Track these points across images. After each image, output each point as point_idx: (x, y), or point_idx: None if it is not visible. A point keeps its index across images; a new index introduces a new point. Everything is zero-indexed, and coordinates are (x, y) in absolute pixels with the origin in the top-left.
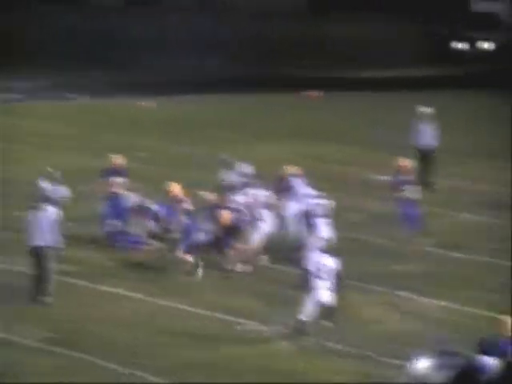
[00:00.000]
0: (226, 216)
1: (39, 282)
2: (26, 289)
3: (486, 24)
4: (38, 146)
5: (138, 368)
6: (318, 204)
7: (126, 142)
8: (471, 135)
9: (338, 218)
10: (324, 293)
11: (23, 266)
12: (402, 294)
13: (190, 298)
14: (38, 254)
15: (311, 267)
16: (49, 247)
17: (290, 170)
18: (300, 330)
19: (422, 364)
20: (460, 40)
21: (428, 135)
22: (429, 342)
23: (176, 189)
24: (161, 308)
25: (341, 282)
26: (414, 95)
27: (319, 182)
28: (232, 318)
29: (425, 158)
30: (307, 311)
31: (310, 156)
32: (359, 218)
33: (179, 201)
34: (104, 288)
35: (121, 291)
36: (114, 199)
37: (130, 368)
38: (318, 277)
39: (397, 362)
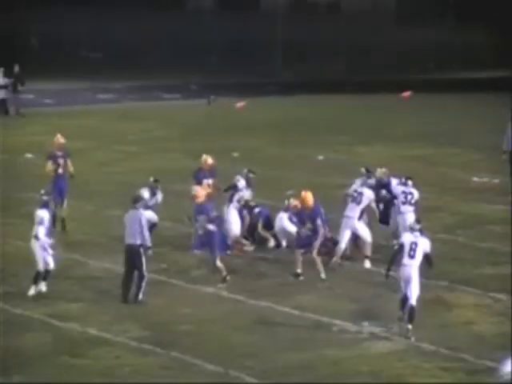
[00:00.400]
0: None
1: (133, 280)
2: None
3: None
4: (137, 147)
5: (233, 368)
6: (404, 192)
7: (219, 142)
8: None
9: (432, 218)
10: (412, 271)
11: (117, 265)
12: (496, 295)
13: (285, 299)
14: (131, 253)
15: (404, 246)
16: (142, 246)
17: (382, 170)
18: (402, 306)
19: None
20: None
21: None
22: None
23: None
24: (255, 308)
25: (431, 264)
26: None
27: (416, 183)
28: (328, 320)
29: None
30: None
31: (409, 157)
32: (454, 219)
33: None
34: (197, 288)
35: (214, 291)
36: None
37: (224, 368)
38: (409, 253)
39: (490, 364)
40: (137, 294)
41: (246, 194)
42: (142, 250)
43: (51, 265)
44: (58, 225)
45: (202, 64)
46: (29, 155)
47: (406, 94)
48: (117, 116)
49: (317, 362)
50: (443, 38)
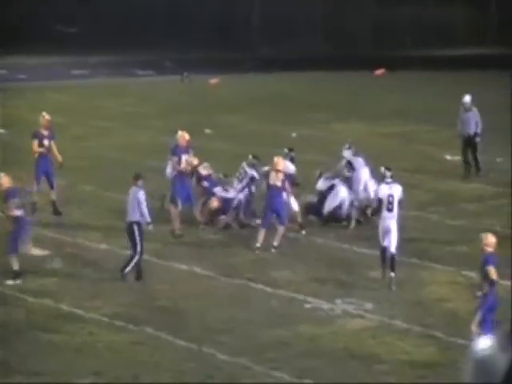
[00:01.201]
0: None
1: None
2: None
3: None
4: (112, 123)
5: (206, 345)
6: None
7: (194, 119)
8: None
9: (406, 196)
10: (391, 222)
11: (90, 241)
12: (468, 273)
13: (258, 275)
14: (129, 230)
15: (382, 200)
16: (138, 223)
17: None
18: (383, 257)
19: (485, 344)
20: None
21: (470, 123)
22: (497, 322)
23: None
24: (228, 285)
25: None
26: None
27: (386, 159)
28: (301, 297)
29: (469, 144)
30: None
31: (384, 134)
32: (428, 196)
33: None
34: (170, 264)
35: (188, 268)
36: (181, 176)
37: (197, 344)
38: (387, 206)
39: (462, 341)
40: (123, 267)
41: (291, 168)
42: (136, 227)
43: None
44: (45, 208)
45: (178, 40)
46: (1, 130)
47: (380, 71)
48: (91, 91)
49: (291, 339)
50: (424, 14)
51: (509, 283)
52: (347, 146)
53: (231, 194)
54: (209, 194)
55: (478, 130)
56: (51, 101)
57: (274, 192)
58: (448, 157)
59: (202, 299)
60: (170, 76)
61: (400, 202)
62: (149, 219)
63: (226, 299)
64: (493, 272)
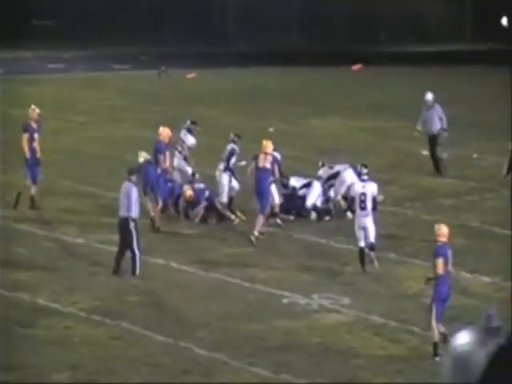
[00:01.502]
0: None
1: (123, 252)
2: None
3: None
4: (89, 117)
5: (183, 339)
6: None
7: (171, 113)
8: None
9: (383, 191)
10: (366, 220)
11: (66, 235)
12: None
13: (236, 270)
14: (121, 225)
15: (355, 198)
16: (132, 219)
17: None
18: (361, 256)
19: (464, 339)
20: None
21: (433, 120)
22: (474, 317)
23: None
24: (205, 280)
25: (375, 208)
26: (469, 70)
27: (362, 155)
28: (278, 292)
29: (433, 141)
30: (360, 238)
31: (361, 129)
32: (404, 192)
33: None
34: (147, 258)
35: (165, 262)
36: (164, 174)
37: (174, 339)
38: (360, 205)
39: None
40: (133, 269)
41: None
42: (131, 222)
43: None
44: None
45: (154, 34)
46: None
47: (357, 67)
48: (68, 86)
49: (267, 333)
50: (400, 9)
51: (479, 277)
52: (320, 163)
53: (202, 184)
54: (177, 196)
55: (445, 126)
56: (27, 94)
57: (262, 174)
58: (424, 152)
59: (179, 293)
60: (147, 70)
61: (375, 200)
62: (134, 215)
63: (203, 293)
64: (439, 265)
